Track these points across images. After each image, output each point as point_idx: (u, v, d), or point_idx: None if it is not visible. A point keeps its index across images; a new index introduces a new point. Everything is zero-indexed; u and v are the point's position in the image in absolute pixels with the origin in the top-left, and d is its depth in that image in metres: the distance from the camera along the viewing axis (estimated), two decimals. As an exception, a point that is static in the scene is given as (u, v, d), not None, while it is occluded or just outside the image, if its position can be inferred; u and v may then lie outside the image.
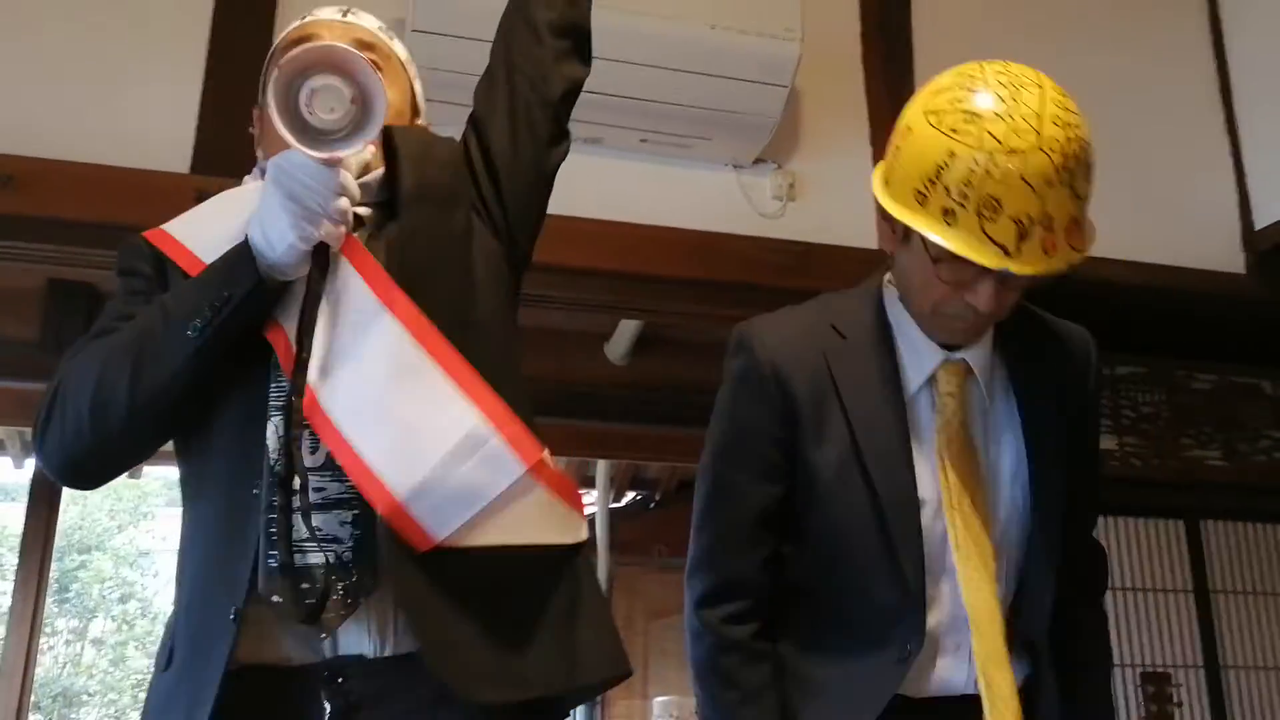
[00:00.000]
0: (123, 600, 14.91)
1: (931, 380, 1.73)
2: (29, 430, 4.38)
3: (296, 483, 1.30)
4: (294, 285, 1.38)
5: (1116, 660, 1.89)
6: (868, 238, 3.36)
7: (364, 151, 1.41)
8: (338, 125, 1.28)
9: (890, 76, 3.55)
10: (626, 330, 4.01)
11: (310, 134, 1.27)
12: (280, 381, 1.35)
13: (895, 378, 1.72)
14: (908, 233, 1.64)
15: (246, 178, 1.63)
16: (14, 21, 2.98)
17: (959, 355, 1.73)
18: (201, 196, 2.40)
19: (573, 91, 1.70)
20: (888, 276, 1.79)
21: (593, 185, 3.21)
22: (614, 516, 6.85)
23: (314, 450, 1.33)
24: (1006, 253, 1.52)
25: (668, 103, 3.12)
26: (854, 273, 3.20)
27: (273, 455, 1.32)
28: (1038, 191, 1.52)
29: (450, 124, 3.13)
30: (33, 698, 4.22)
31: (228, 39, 3.07)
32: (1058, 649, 1.76)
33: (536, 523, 1.39)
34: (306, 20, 1.62)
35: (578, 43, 1.73)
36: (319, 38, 1.54)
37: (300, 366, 1.32)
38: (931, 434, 1.71)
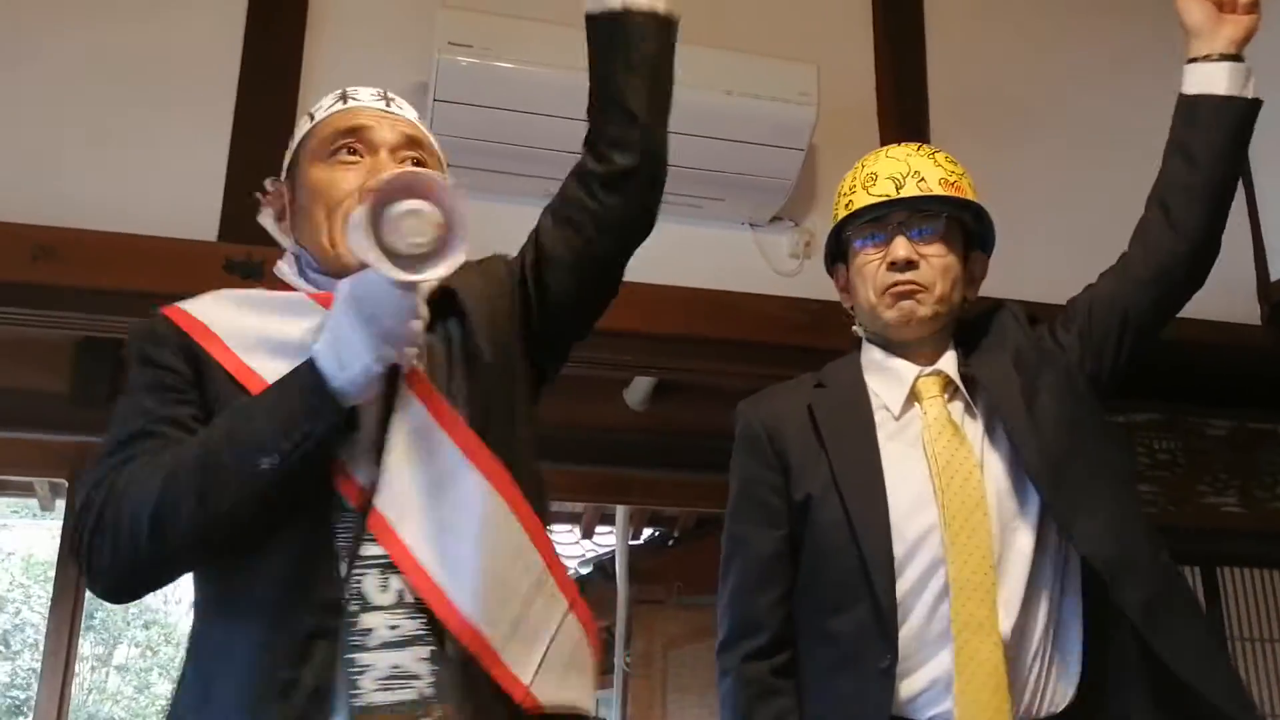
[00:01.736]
0: (146, 626, 14.99)
1: (914, 396, 1.96)
2: (59, 480, 4.49)
3: (370, 619, 1.33)
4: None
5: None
6: (884, 295, 3.41)
7: None
8: (422, 250, 1.28)
9: (906, 134, 3.57)
10: (645, 377, 4.04)
11: (394, 258, 1.27)
12: (347, 516, 1.37)
13: (868, 413, 1.96)
14: (846, 271, 2.08)
15: (281, 263, 1.59)
16: (48, 100, 3.04)
17: (934, 368, 1.97)
18: (229, 264, 2.47)
19: (635, 242, 1.68)
20: (858, 330, 2.11)
21: (611, 247, 3.25)
22: (632, 553, 6.87)
23: (384, 588, 1.35)
24: (889, 197, 1.98)
25: (685, 166, 3.13)
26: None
27: (351, 594, 1.34)
28: (902, 160, 2.03)
29: (469, 188, 3.19)
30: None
31: (252, 109, 3.12)
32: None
33: (578, 665, 1.47)
34: (351, 105, 1.58)
35: (641, 186, 1.67)
36: (368, 129, 1.54)
37: (367, 505, 1.35)
38: (926, 442, 1.89)
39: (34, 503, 6.07)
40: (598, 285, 1.66)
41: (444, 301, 1.52)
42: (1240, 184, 3.86)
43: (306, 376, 1.33)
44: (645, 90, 1.65)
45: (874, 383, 2.00)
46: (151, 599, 14.80)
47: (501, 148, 3.06)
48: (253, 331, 1.46)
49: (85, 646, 14.15)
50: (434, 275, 1.29)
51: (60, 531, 4.28)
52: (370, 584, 1.34)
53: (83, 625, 4.32)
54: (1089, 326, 1.98)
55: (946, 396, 1.94)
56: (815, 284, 3.40)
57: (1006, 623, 1.77)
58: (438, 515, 1.38)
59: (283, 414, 1.32)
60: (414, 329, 1.36)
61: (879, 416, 1.95)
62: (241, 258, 2.90)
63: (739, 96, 3.08)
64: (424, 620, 1.34)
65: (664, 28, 1.66)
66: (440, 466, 1.40)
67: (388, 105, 1.60)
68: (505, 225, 3.20)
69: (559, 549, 1.55)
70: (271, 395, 1.36)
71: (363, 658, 1.31)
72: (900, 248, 1.95)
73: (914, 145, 2.10)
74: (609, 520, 6.96)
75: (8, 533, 13.87)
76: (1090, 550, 1.78)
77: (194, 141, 3.08)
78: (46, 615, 4.32)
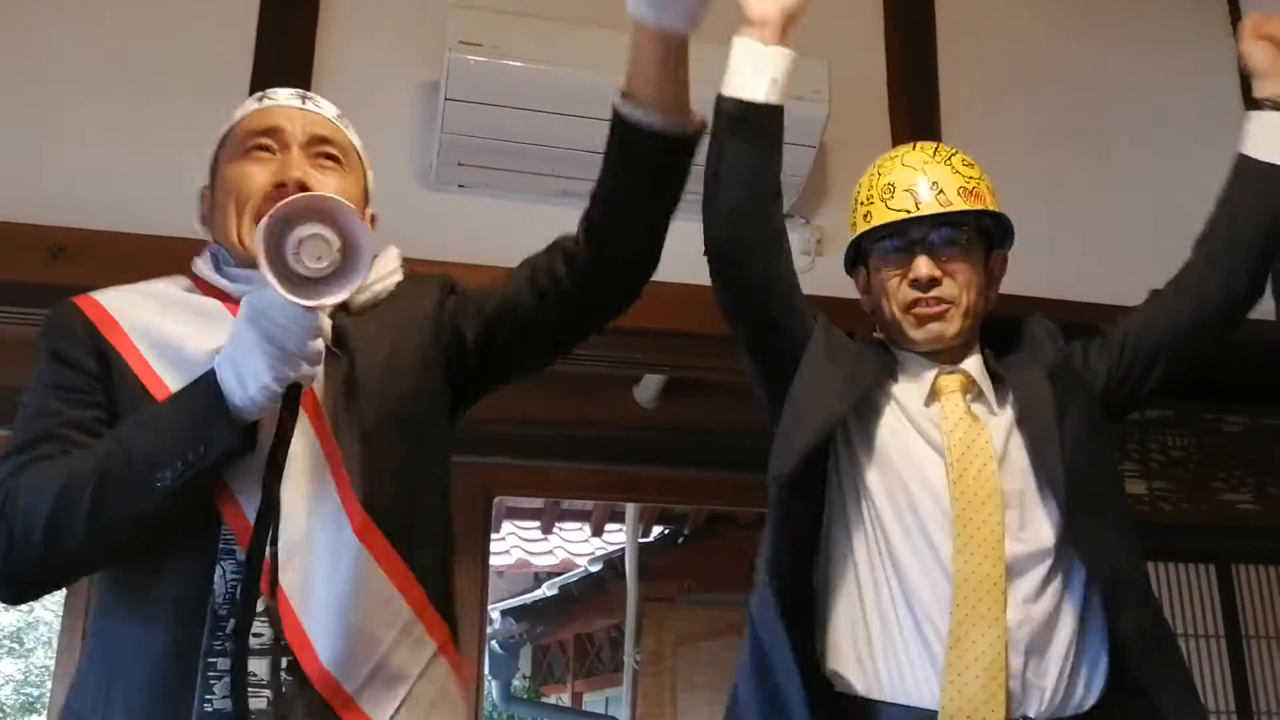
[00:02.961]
0: (156, 624, 14.97)
1: (934, 393, 1.96)
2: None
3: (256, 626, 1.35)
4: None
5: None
6: (896, 292, 3.40)
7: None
8: (322, 272, 1.28)
9: (917, 132, 3.56)
10: (655, 375, 4.03)
11: (294, 280, 1.27)
12: (230, 539, 1.38)
13: (889, 391, 1.98)
14: (868, 277, 2.08)
15: (198, 260, 1.61)
16: (64, 101, 3.05)
17: (956, 367, 1.97)
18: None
19: (598, 326, 1.74)
20: (877, 335, 2.11)
21: (622, 245, 3.24)
22: (643, 551, 6.87)
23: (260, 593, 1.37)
24: (909, 213, 1.95)
25: (697, 164, 3.14)
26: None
27: (219, 600, 1.35)
28: (919, 169, 2.00)
29: (480, 186, 3.19)
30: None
31: (265, 109, 3.12)
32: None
33: (446, 702, 1.50)
34: (266, 105, 1.62)
35: (622, 283, 1.72)
36: (281, 128, 1.57)
37: (262, 532, 1.35)
38: (943, 434, 1.89)
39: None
40: (546, 353, 1.72)
41: (338, 329, 1.53)
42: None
43: (205, 394, 1.33)
44: (654, 199, 1.68)
45: (901, 375, 2.02)
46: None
47: (513, 146, 3.06)
48: (164, 337, 1.47)
49: (96, 645, 14.15)
50: (331, 299, 1.29)
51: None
52: (239, 591, 1.36)
53: (95, 624, 4.31)
54: (1119, 363, 1.99)
55: (970, 397, 1.95)
56: (827, 281, 3.38)
57: (1016, 616, 1.76)
58: (312, 560, 1.39)
59: (179, 431, 1.33)
60: (315, 348, 1.35)
61: (911, 403, 1.97)
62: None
63: (751, 94, 3.06)
64: (275, 632, 1.36)
65: (689, 144, 1.66)
66: (323, 509, 1.42)
67: (304, 103, 1.63)
68: (516, 224, 3.22)
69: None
70: (169, 409, 1.37)
71: (219, 663, 1.33)
72: (923, 266, 1.95)
73: (930, 148, 2.07)
74: (619, 518, 6.96)
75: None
76: (1097, 571, 1.81)
77: (208, 141, 3.07)
78: (58, 613, 4.32)
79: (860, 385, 1.93)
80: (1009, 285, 3.56)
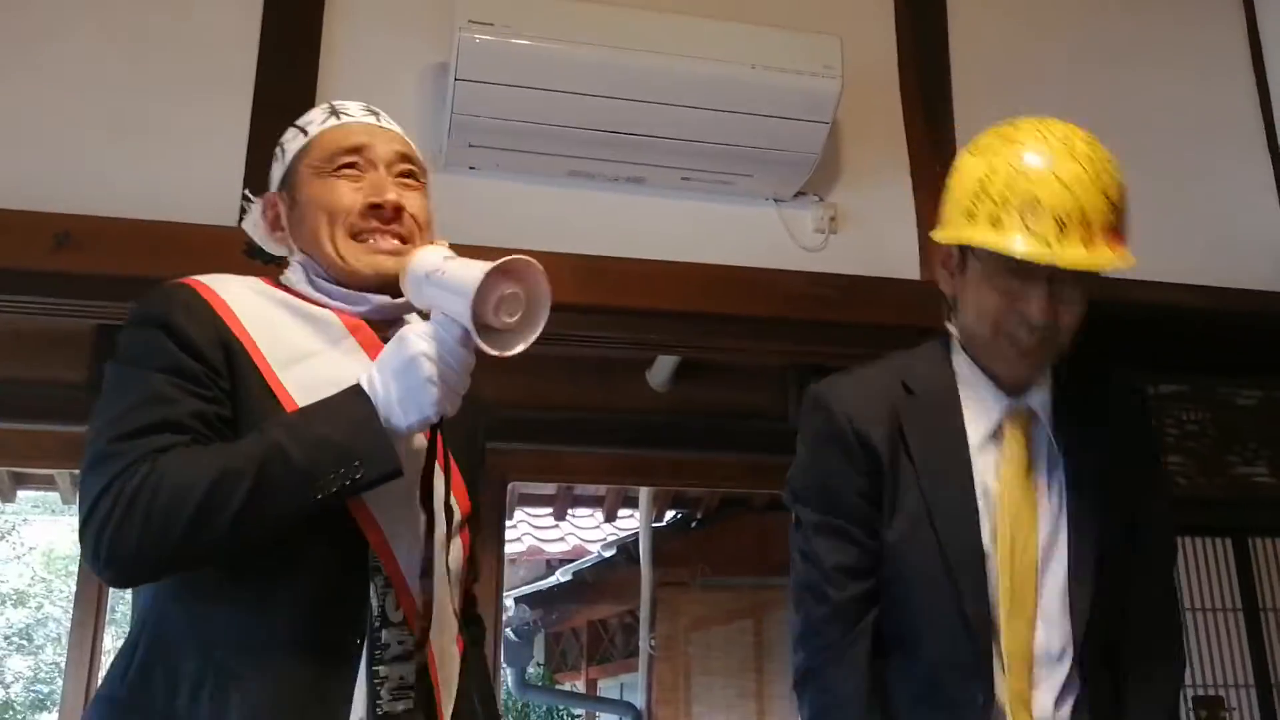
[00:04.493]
0: (167, 619, 15.03)
1: (998, 429, 1.79)
2: (78, 470, 4.48)
3: (386, 634, 1.47)
4: None
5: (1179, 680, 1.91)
6: (910, 269, 3.38)
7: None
8: (510, 326, 1.40)
9: (929, 108, 3.55)
10: (668, 358, 4.02)
11: (485, 331, 1.38)
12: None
13: (961, 432, 1.78)
14: (964, 264, 1.79)
15: (288, 271, 1.64)
16: (69, 88, 3.03)
17: (1024, 402, 1.79)
18: (250, 248, 2.44)
19: None
20: (952, 328, 1.86)
21: (635, 225, 3.24)
22: (656, 535, 6.86)
23: (397, 606, 1.48)
24: (1049, 245, 1.66)
25: (709, 142, 3.13)
26: (898, 303, 3.25)
27: (375, 610, 1.46)
28: (1072, 190, 1.68)
29: (491, 168, 3.18)
30: None
31: (272, 93, 3.11)
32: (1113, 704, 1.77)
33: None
34: (344, 121, 1.67)
35: None
36: (366, 146, 1.63)
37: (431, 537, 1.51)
38: (995, 484, 1.76)
39: (55, 497, 6.09)
40: None
41: None
42: (1266, 150, 3.87)
43: (364, 413, 1.40)
44: None
45: (965, 399, 1.81)
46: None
47: (524, 127, 3.03)
48: (288, 347, 1.51)
49: (108, 640, 14.19)
50: (512, 351, 1.40)
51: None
52: (390, 601, 1.47)
53: (106, 620, 4.31)
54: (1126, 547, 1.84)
55: (1028, 439, 1.79)
56: (841, 259, 3.38)
57: (1045, 701, 1.71)
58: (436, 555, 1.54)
59: (340, 447, 1.38)
60: (467, 388, 1.46)
61: (971, 437, 1.79)
62: (264, 242, 2.89)
63: (763, 70, 3.05)
64: (414, 640, 1.48)
65: None
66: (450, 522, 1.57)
67: (378, 120, 1.70)
68: (526, 204, 3.21)
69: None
70: (326, 423, 1.40)
71: (382, 669, 1.45)
72: (1039, 309, 1.70)
73: (1085, 152, 1.73)
74: (632, 503, 6.95)
75: (29, 528, 13.92)
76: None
77: (214, 126, 3.07)
78: (69, 609, 4.32)
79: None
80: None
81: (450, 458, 1.57)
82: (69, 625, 4.23)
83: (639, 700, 7.23)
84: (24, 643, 13.47)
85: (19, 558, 13.87)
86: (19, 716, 12.96)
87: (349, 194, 1.60)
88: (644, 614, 6.89)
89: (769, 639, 6.81)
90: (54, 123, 3.00)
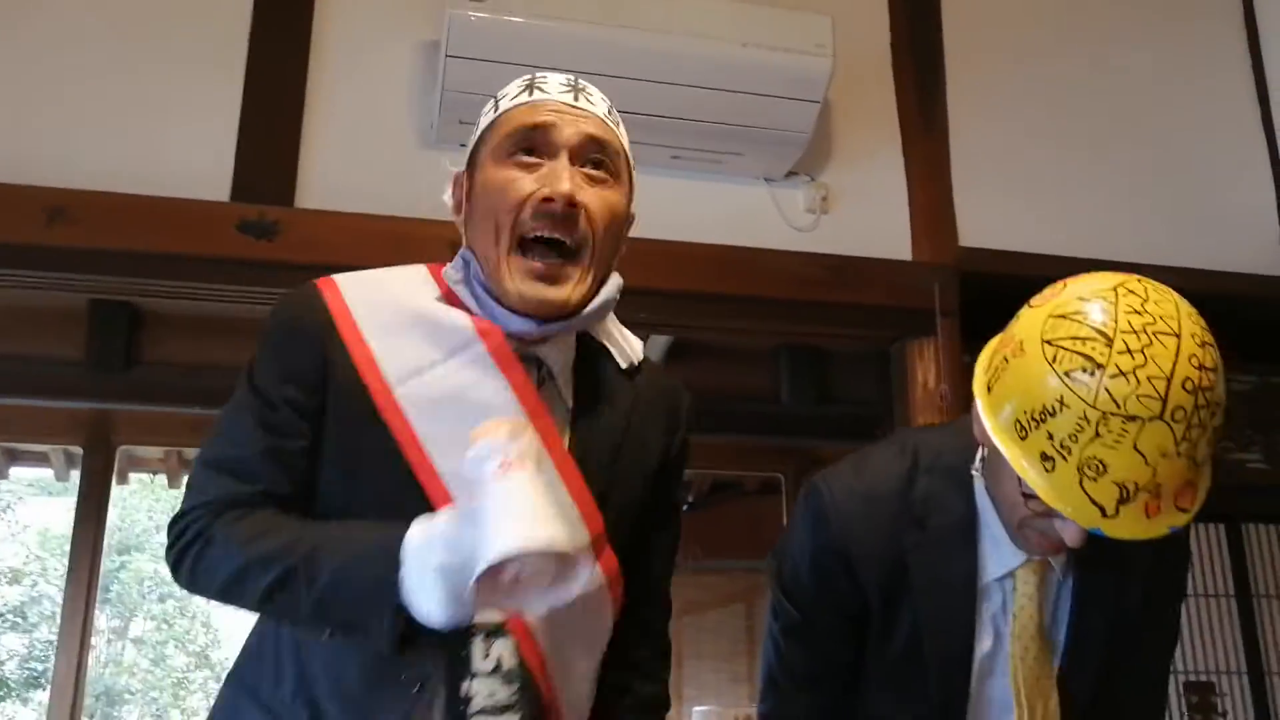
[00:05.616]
0: (161, 600, 15.05)
1: (1010, 575, 1.64)
2: (74, 448, 4.49)
3: (471, 686, 1.35)
4: None
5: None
6: (901, 249, 3.37)
7: None
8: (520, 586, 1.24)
9: (921, 87, 3.54)
10: (659, 338, 4.01)
11: (499, 589, 1.22)
12: None
13: (973, 578, 1.65)
14: (996, 451, 1.50)
15: (450, 266, 1.48)
16: (62, 63, 3.03)
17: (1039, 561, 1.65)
18: (243, 224, 2.42)
19: None
20: (978, 460, 1.65)
21: (626, 203, 3.22)
22: (649, 519, 6.84)
23: (486, 655, 1.36)
24: (1104, 513, 1.38)
25: (700, 120, 3.12)
26: (888, 283, 3.25)
27: (456, 659, 1.35)
28: (1150, 462, 1.35)
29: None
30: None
31: (263, 69, 3.11)
32: None
33: None
34: (536, 99, 1.44)
35: None
36: (550, 127, 1.41)
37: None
38: (1006, 630, 1.65)
39: (50, 475, 6.07)
40: None
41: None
42: (1262, 134, 3.85)
43: (384, 588, 1.25)
44: None
45: (983, 534, 1.64)
46: (166, 573, 14.82)
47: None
48: (407, 359, 1.40)
49: (101, 620, 14.21)
50: (529, 609, 1.29)
51: (75, 504, 4.25)
52: (476, 650, 1.35)
53: (99, 598, 4.31)
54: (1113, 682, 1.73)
55: (1040, 593, 1.65)
56: (831, 239, 3.37)
57: None
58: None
59: (352, 602, 1.28)
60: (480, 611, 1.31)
61: (982, 577, 1.65)
62: (254, 218, 2.90)
63: (754, 48, 3.04)
64: (516, 689, 1.36)
65: None
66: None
67: (576, 98, 1.45)
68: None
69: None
70: (353, 569, 1.29)
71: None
72: (1074, 538, 1.45)
73: (1180, 402, 1.33)
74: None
75: (24, 506, 13.92)
76: None
77: (205, 102, 3.07)
78: (62, 588, 4.32)
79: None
80: (1014, 243, 3.54)
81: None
82: (62, 603, 4.24)
83: (631, 683, 7.22)
84: (19, 620, 13.47)
85: (14, 536, 13.88)
86: (13, 693, 12.98)
87: (522, 185, 1.40)
88: (636, 597, 6.87)
89: (761, 623, 6.79)
90: (46, 97, 3.00)
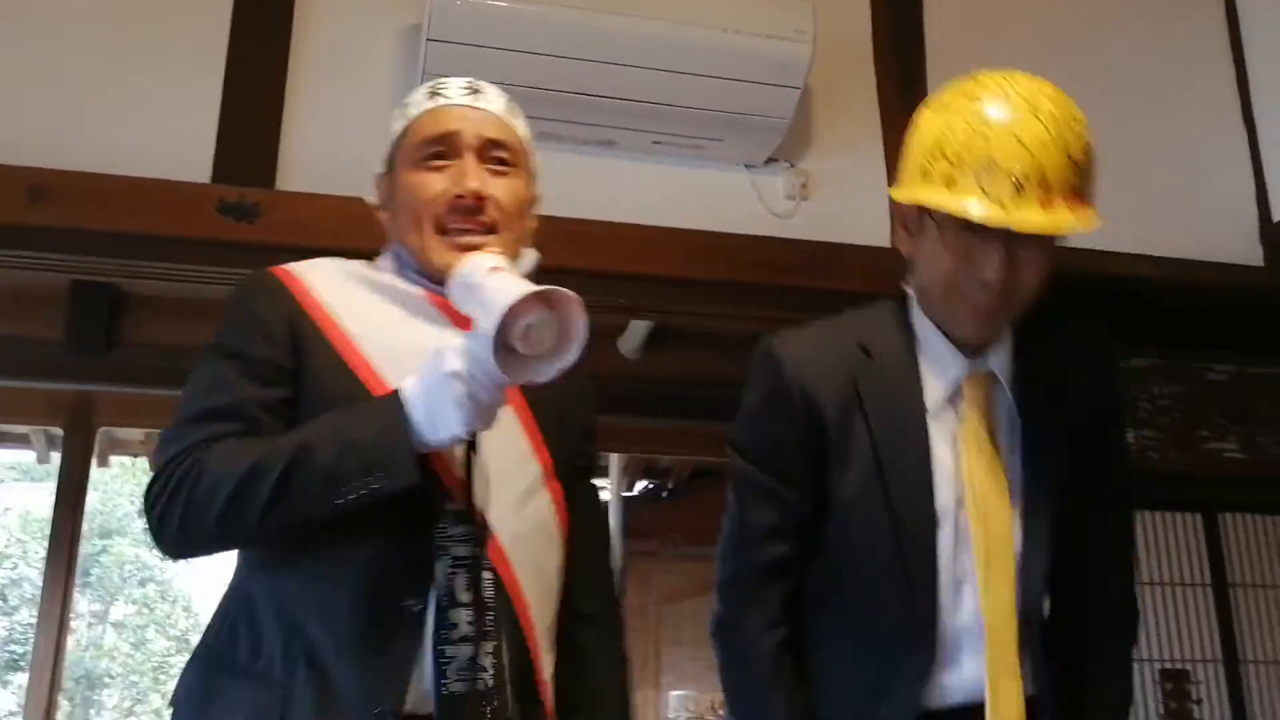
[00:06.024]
0: (142, 584, 15.07)
1: (958, 391, 1.75)
2: (55, 429, 4.47)
3: (454, 614, 1.46)
4: None
5: (1134, 656, 1.91)
6: (881, 236, 3.37)
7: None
8: (538, 353, 1.38)
9: (902, 75, 3.54)
10: (639, 325, 4.01)
11: (513, 358, 1.37)
12: (448, 517, 1.49)
13: (919, 394, 1.74)
14: (920, 224, 1.72)
15: (380, 260, 1.66)
16: (43, 41, 3.02)
17: (984, 365, 1.75)
18: (223, 205, 2.44)
19: None
20: (910, 289, 1.81)
21: (605, 188, 3.24)
22: (626, 505, 6.86)
23: (467, 587, 1.48)
24: (1003, 207, 1.58)
25: (680, 105, 3.12)
26: (868, 270, 3.25)
27: (442, 589, 1.46)
28: (1032, 151, 1.59)
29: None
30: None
31: (245, 50, 3.10)
32: (1068, 691, 1.77)
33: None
34: (438, 104, 1.63)
35: None
36: (454, 134, 1.60)
37: (475, 520, 1.50)
38: (957, 445, 1.73)
39: (31, 458, 6.05)
40: None
41: None
42: (1242, 124, 3.87)
43: (396, 424, 1.40)
44: None
45: (923, 362, 1.76)
46: (148, 558, 14.86)
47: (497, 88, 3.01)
48: (368, 318, 1.55)
49: (83, 603, 14.21)
50: (539, 378, 1.40)
51: (56, 488, 4.24)
52: (459, 582, 1.46)
53: (79, 582, 4.31)
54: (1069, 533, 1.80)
55: (988, 403, 1.75)
56: (811, 225, 3.38)
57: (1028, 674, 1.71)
58: (518, 526, 1.54)
59: (366, 455, 1.39)
60: (504, 406, 1.45)
61: (928, 400, 1.74)
62: (235, 199, 2.89)
63: (734, 33, 3.05)
64: (492, 617, 1.48)
65: None
66: (523, 483, 1.57)
67: (474, 99, 1.65)
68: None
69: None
70: (359, 428, 1.42)
71: (448, 650, 1.44)
72: (994, 270, 1.64)
73: (1049, 112, 1.63)
74: (602, 473, 6.95)
75: (5, 489, 13.90)
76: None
77: (187, 83, 3.06)
78: (42, 570, 4.32)
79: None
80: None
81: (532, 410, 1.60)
82: (42, 586, 4.23)
83: (610, 669, 7.22)
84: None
85: (-6, 518, 13.89)
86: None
87: (434, 186, 1.59)
88: (615, 584, 6.88)
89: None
90: (27, 76, 2.99)
